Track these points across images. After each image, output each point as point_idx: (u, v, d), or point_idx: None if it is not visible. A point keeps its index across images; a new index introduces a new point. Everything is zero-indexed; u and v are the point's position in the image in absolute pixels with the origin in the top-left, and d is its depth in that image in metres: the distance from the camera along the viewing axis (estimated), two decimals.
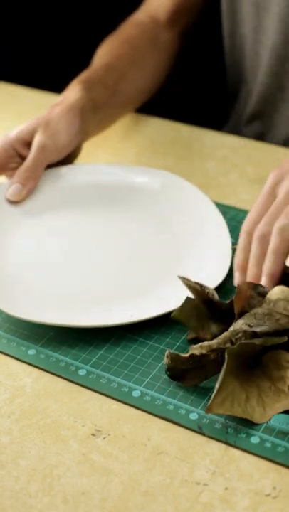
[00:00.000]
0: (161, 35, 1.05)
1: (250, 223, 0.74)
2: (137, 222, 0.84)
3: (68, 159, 0.89)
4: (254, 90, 1.07)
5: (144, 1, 1.10)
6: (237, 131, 1.12)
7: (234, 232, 0.83)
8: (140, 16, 1.07)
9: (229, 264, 0.76)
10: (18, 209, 0.84)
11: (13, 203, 0.83)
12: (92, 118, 0.89)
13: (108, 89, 0.93)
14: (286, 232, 0.70)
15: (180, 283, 0.75)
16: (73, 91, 0.90)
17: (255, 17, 1.00)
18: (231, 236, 0.81)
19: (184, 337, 0.71)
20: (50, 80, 1.22)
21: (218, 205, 0.88)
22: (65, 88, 0.93)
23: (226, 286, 0.76)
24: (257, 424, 0.62)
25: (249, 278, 0.72)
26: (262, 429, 0.62)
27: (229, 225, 0.84)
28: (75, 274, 0.77)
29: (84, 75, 0.94)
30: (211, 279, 0.74)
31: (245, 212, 0.87)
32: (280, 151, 1.00)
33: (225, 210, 0.87)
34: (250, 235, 0.74)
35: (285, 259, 0.70)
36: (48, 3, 1.58)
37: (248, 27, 1.02)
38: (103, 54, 1.00)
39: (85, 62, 1.00)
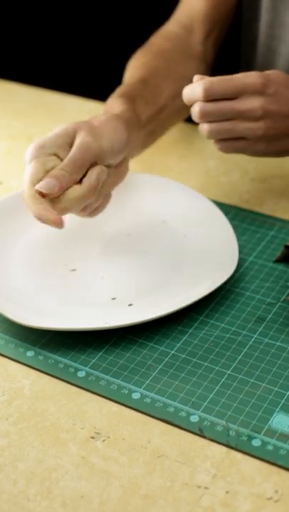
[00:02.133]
0: (196, 45, 1.01)
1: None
2: (137, 225, 0.84)
3: (117, 176, 0.80)
4: None
5: (175, 11, 1.06)
6: None
7: (236, 231, 0.83)
8: (172, 27, 1.03)
9: (235, 264, 0.75)
10: (21, 215, 0.83)
11: (44, 196, 0.72)
12: (137, 132, 0.84)
13: (149, 104, 0.89)
14: None
15: (181, 284, 0.75)
16: (116, 103, 0.85)
17: (271, 10, 0.99)
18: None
19: (184, 338, 0.70)
20: (48, 77, 1.22)
21: (220, 205, 0.88)
22: (63, 86, 0.92)
23: (229, 285, 0.76)
24: (259, 427, 0.61)
25: None
26: (264, 431, 0.61)
27: (231, 224, 0.83)
28: (74, 276, 0.77)
29: (122, 90, 0.88)
30: (215, 279, 0.74)
31: (246, 212, 0.87)
32: None
33: (227, 209, 0.87)
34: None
35: None
36: (46, 1, 1.58)
37: (262, 20, 1.01)
38: (137, 68, 0.95)
39: (83, 59, 0.99)
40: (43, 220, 0.71)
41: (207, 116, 0.77)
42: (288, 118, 0.78)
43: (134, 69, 0.95)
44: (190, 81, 0.94)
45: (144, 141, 0.87)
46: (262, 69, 1.05)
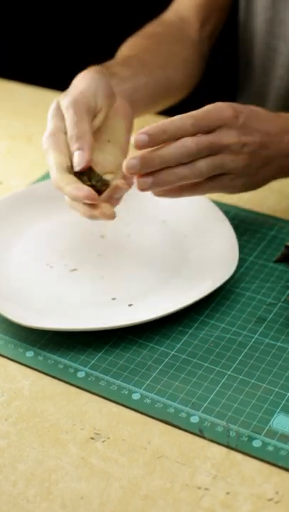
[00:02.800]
0: (190, 33, 1.02)
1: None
2: (137, 225, 0.84)
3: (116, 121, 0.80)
4: (269, 85, 1.05)
5: (172, 2, 1.07)
6: None
7: (236, 231, 0.83)
8: (168, 15, 1.04)
9: (235, 264, 0.75)
10: (21, 215, 0.83)
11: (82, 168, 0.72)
12: (118, 83, 0.83)
13: (130, 68, 0.87)
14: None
15: (181, 284, 0.74)
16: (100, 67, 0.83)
17: (270, 8, 0.99)
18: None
19: (184, 338, 0.70)
20: (48, 76, 1.22)
21: (220, 204, 0.87)
22: (63, 85, 0.91)
23: (229, 286, 0.76)
24: (259, 428, 0.61)
25: None
26: (264, 432, 0.61)
27: (231, 224, 0.83)
28: (74, 276, 0.77)
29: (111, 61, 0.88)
30: (216, 279, 0.73)
31: (247, 212, 0.86)
32: None
33: (227, 209, 0.87)
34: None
35: None
36: (46, 1, 1.58)
37: (261, 18, 1.01)
38: (125, 48, 0.96)
39: (82, 58, 0.99)
40: (78, 197, 0.69)
41: (196, 154, 0.71)
42: (262, 148, 0.75)
43: (122, 50, 0.95)
44: (180, 59, 0.95)
45: (130, 98, 0.85)
46: (262, 67, 1.05)
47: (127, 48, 0.95)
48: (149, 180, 0.70)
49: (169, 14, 1.04)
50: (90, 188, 0.70)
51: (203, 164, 0.71)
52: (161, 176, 0.70)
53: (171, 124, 0.69)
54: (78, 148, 0.72)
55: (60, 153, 0.72)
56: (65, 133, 0.74)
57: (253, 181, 0.77)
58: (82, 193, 0.69)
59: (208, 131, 0.71)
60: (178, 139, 0.70)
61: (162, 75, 0.92)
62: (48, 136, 0.74)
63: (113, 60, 0.90)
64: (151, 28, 1.00)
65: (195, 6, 1.03)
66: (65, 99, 0.75)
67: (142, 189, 0.70)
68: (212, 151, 0.71)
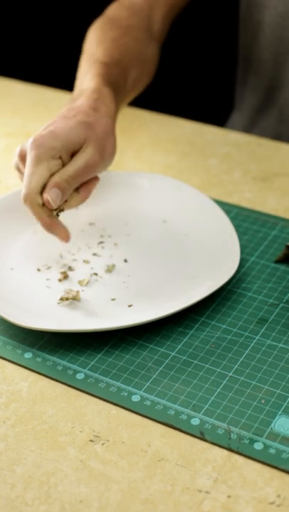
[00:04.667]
0: (155, 23, 1.02)
1: None
2: (137, 225, 0.83)
3: None
4: (282, 78, 1.05)
5: None
6: (248, 120, 1.11)
7: (237, 230, 0.82)
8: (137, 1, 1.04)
9: (237, 264, 0.74)
10: (20, 215, 0.83)
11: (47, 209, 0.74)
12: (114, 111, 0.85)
13: (123, 93, 0.90)
14: None
15: (181, 285, 0.74)
16: (105, 93, 0.83)
17: (284, 2, 0.98)
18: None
19: (185, 339, 0.70)
20: (47, 74, 1.21)
21: (221, 204, 0.87)
22: (61, 83, 0.91)
23: (230, 286, 0.75)
24: (261, 430, 0.61)
25: None
26: (266, 435, 0.60)
27: (232, 224, 0.82)
28: (73, 277, 0.76)
29: (104, 71, 0.87)
30: (216, 280, 0.73)
31: (248, 211, 0.86)
32: (284, 147, 0.98)
33: (228, 208, 0.86)
34: None
35: None
36: None
37: (273, 12, 1.00)
38: (107, 41, 0.95)
39: (80, 56, 0.99)
40: (51, 230, 0.73)
41: None
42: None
43: (106, 43, 0.95)
44: (149, 64, 0.98)
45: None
46: (273, 61, 1.04)
47: (112, 44, 0.94)
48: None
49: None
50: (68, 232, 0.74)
51: None
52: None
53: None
54: (62, 191, 0.74)
55: (46, 172, 0.74)
56: (60, 157, 0.76)
57: None
58: (64, 234, 0.74)
59: None
60: None
61: (133, 85, 0.94)
62: (42, 146, 0.74)
63: (109, 72, 0.89)
64: (124, 18, 1.00)
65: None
66: (90, 148, 0.77)
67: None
68: None
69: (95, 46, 0.94)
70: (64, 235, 0.74)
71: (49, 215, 0.73)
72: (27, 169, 0.73)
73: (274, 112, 1.11)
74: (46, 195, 0.72)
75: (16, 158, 0.77)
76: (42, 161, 0.73)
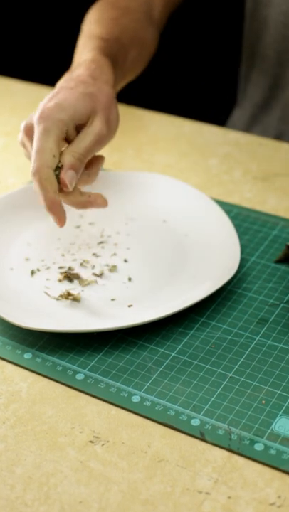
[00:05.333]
0: (155, 12, 1.02)
1: None
2: (137, 224, 0.83)
3: None
4: (286, 76, 1.05)
5: None
6: (250, 117, 1.11)
7: (238, 230, 0.82)
8: None
9: (237, 264, 0.74)
10: (19, 214, 0.82)
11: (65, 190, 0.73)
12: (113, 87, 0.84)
13: (121, 70, 0.89)
14: None
15: (181, 285, 0.74)
16: (105, 65, 0.83)
17: (286, 0, 0.98)
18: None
19: (185, 340, 0.69)
20: (46, 73, 1.21)
21: (221, 203, 0.87)
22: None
23: (230, 286, 0.75)
24: (261, 431, 0.60)
25: None
26: (266, 435, 0.60)
27: (233, 224, 0.82)
28: (72, 278, 0.76)
29: (104, 45, 0.87)
30: (217, 280, 0.73)
31: (249, 211, 0.86)
32: (285, 147, 0.98)
33: (228, 208, 0.86)
34: None
35: None
36: None
37: (277, 10, 1.00)
38: (110, 21, 0.95)
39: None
40: (51, 210, 0.70)
41: None
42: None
43: (106, 21, 0.94)
44: (148, 47, 0.97)
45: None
46: (277, 59, 1.04)
47: (111, 23, 0.94)
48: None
49: None
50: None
51: None
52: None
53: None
54: (75, 171, 0.72)
55: (56, 147, 0.72)
56: (67, 130, 0.74)
57: None
58: (62, 215, 0.71)
59: None
60: None
61: (132, 65, 0.93)
62: (51, 117, 0.73)
63: (109, 46, 0.88)
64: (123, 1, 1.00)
65: None
66: (98, 121, 0.75)
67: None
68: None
69: (94, 25, 0.93)
70: (61, 218, 0.71)
71: (54, 192, 0.71)
72: (36, 143, 0.71)
73: (276, 110, 1.11)
74: (63, 176, 0.71)
75: (21, 134, 0.75)
76: (50, 134, 0.71)
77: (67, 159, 0.71)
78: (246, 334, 0.70)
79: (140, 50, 0.96)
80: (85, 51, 0.85)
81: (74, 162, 0.71)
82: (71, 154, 0.72)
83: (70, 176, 0.71)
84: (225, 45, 1.18)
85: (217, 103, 1.23)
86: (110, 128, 0.76)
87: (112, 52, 0.87)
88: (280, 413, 0.62)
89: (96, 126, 0.74)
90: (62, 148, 0.73)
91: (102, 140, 0.74)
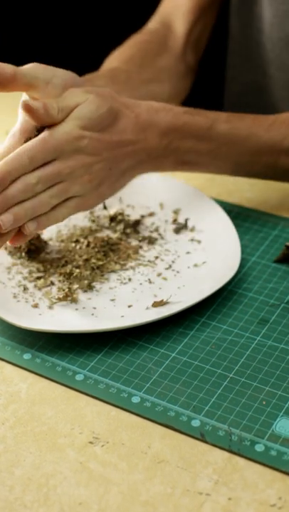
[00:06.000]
0: (175, 44, 1.00)
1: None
2: (138, 225, 0.83)
3: None
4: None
5: (158, 7, 1.05)
6: None
7: (238, 230, 0.82)
8: (153, 24, 1.03)
9: (237, 264, 0.74)
10: None
11: None
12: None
13: (115, 84, 0.87)
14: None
15: (182, 285, 0.73)
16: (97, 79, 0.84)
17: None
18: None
19: (185, 340, 0.69)
20: None
21: (222, 203, 0.86)
22: None
23: (231, 286, 0.75)
24: (262, 432, 0.60)
25: None
26: (267, 436, 0.60)
27: (234, 223, 0.82)
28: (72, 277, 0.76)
29: (99, 72, 0.88)
30: (217, 280, 0.72)
31: (249, 210, 0.85)
32: None
33: (229, 208, 0.86)
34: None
35: None
36: None
37: (268, 11, 0.99)
38: (111, 59, 0.96)
39: (80, 54, 0.98)
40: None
41: (41, 188, 0.69)
42: (115, 162, 0.73)
43: (109, 60, 0.95)
44: (166, 73, 0.95)
45: None
46: (275, 59, 1.03)
47: (113, 58, 0.95)
48: (9, 216, 0.67)
49: (154, 22, 1.03)
50: None
51: (47, 195, 0.69)
52: (15, 211, 0.67)
53: (10, 166, 0.67)
54: None
55: None
56: None
57: (107, 193, 0.75)
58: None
59: (49, 161, 0.69)
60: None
61: (146, 91, 0.92)
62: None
63: (98, 71, 0.89)
64: (137, 38, 1.00)
65: (181, 10, 1.01)
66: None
67: (5, 228, 0.67)
68: (55, 181, 0.69)
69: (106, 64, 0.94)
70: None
71: None
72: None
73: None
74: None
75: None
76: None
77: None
78: (247, 335, 0.70)
79: (153, 73, 0.94)
80: None
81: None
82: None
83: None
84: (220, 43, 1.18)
85: (217, 102, 1.23)
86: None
87: (100, 75, 0.86)
88: (281, 414, 0.62)
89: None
90: None
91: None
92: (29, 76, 0.71)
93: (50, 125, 0.70)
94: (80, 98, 0.71)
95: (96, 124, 0.71)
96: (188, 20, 1.01)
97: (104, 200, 0.76)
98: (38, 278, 0.75)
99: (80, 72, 0.86)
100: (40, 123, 0.70)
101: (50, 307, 0.72)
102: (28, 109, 0.69)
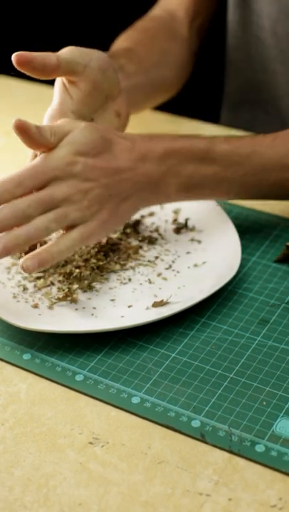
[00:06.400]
0: (180, 30, 1.01)
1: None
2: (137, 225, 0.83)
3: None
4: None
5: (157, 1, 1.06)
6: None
7: (238, 230, 0.81)
8: (156, 11, 1.04)
9: (238, 264, 0.74)
10: None
11: None
12: (124, 78, 0.83)
13: (135, 64, 0.88)
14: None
15: (182, 285, 0.73)
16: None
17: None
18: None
19: (185, 340, 0.69)
20: None
21: (223, 203, 0.86)
22: None
23: (231, 286, 0.74)
24: (262, 432, 0.60)
25: None
26: (267, 437, 0.60)
27: (234, 223, 0.81)
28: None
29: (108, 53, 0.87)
30: (217, 280, 0.72)
31: (249, 210, 0.85)
32: None
33: (229, 207, 0.86)
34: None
35: None
36: None
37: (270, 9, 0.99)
38: (120, 41, 0.95)
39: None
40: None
41: (32, 213, 0.67)
42: (112, 188, 0.71)
43: (118, 42, 0.95)
44: (173, 57, 0.95)
45: (128, 97, 0.84)
46: (279, 54, 1.03)
47: (122, 41, 0.95)
48: None
49: (158, 11, 1.04)
50: None
51: (44, 220, 0.67)
52: (4, 240, 0.66)
53: (1, 189, 0.66)
54: None
55: None
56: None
57: (111, 222, 0.73)
58: None
59: (40, 187, 0.68)
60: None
61: (157, 73, 0.92)
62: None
63: (116, 48, 0.89)
64: (143, 23, 1.00)
65: (184, 3, 1.02)
66: None
67: None
68: (49, 206, 0.67)
69: (112, 48, 0.94)
70: None
71: None
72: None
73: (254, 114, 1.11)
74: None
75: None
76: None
77: None
78: (247, 335, 0.70)
79: (162, 58, 0.94)
80: None
81: None
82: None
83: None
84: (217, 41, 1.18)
85: (215, 102, 1.23)
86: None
87: (119, 54, 0.86)
88: (281, 414, 0.62)
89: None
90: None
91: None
92: (71, 62, 0.73)
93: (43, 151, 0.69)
94: (73, 125, 0.70)
95: (90, 149, 0.70)
96: (191, 10, 1.02)
97: (109, 232, 0.73)
98: (38, 278, 0.75)
99: None
100: (33, 145, 0.69)
101: (50, 307, 0.71)
102: (21, 129, 0.68)
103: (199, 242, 0.79)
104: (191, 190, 0.76)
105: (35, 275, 0.75)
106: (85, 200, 0.69)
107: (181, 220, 0.83)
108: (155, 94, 0.94)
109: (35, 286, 0.74)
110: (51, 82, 1.00)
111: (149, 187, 0.74)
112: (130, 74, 0.85)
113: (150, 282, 0.74)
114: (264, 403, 0.63)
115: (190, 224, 0.82)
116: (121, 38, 0.97)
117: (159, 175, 0.74)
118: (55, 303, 0.72)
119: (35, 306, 0.71)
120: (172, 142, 0.75)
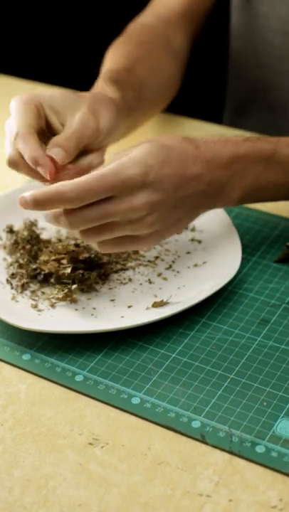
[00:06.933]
0: (173, 40, 1.00)
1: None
2: None
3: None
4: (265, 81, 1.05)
5: (151, 1, 1.06)
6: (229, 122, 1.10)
7: (239, 230, 0.81)
8: (149, 18, 1.03)
9: (238, 264, 0.74)
10: (16, 214, 0.82)
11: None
12: (124, 120, 0.83)
13: (136, 94, 0.88)
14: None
15: (182, 285, 0.73)
16: (108, 89, 0.83)
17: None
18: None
19: (185, 341, 0.69)
20: (44, 71, 1.20)
21: None
22: (59, 80, 0.90)
23: (231, 286, 0.74)
24: (262, 433, 0.60)
25: None
26: (268, 437, 0.60)
27: (234, 223, 0.81)
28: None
29: (110, 75, 0.87)
30: (218, 280, 0.72)
31: (249, 210, 0.85)
32: None
33: (229, 208, 0.85)
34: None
35: None
36: None
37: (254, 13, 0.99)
38: (120, 56, 0.94)
39: (79, 54, 0.98)
40: (39, 163, 0.70)
41: (80, 226, 0.67)
42: (173, 209, 0.69)
43: (117, 57, 0.93)
44: (167, 75, 0.95)
45: (126, 131, 0.86)
46: (280, 58, 1.02)
47: (122, 57, 0.93)
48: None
49: (151, 16, 1.02)
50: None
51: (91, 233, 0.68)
52: (72, 218, 0.66)
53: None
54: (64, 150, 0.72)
55: (34, 117, 0.74)
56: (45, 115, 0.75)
57: (169, 233, 0.71)
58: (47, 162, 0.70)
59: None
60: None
61: (153, 97, 0.92)
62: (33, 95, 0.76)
63: (116, 68, 0.88)
64: (138, 34, 0.99)
65: (180, 10, 1.01)
66: (83, 108, 0.75)
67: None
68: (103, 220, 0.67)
69: (106, 62, 0.93)
70: (47, 170, 0.69)
71: (36, 149, 0.70)
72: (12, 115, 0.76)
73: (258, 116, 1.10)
74: (49, 151, 0.71)
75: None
76: (31, 104, 0.75)
77: (58, 140, 0.71)
78: (247, 335, 0.69)
79: (158, 78, 0.93)
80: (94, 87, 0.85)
81: (63, 143, 0.72)
82: (55, 142, 0.72)
83: (55, 151, 0.71)
84: (218, 41, 1.18)
85: (215, 101, 1.23)
86: (97, 118, 0.75)
87: (121, 79, 0.86)
88: (282, 415, 0.62)
89: (80, 115, 0.74)
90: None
91: (86, 125, 0.73)
92: (81, 139, 0.74)
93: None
94: (127, 152, 0.69)
95: (159, 161, 0.68)
96: (186, 19, 1.01)
97: (174, 233, 0.72)
98: (35, 276, 0.75)
99: (80, 72, 0.86)
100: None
101: (50, 307, 0.71)
102: None
103: (199, 242, 0.79)
104: (255, 193, 0.75)
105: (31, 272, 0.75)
106: (150, 216, 0.67)
107: None
108: (149, 116, 0.94)
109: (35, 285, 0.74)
110: (51, 82, 1.00)
111: (214, 194, 0.73)
112: (132, 109, 0.85)
113: (150, 282, 0.74)
114: (264, 404, 0.63)
115: (190, 224, 0.82)
116: (118, 49, 0.96)
117: (224, 181, 0.73)
118: (55, 303, 0.72)
119: (35, 307, 0.71)
120: (236, 146, 0.73)
